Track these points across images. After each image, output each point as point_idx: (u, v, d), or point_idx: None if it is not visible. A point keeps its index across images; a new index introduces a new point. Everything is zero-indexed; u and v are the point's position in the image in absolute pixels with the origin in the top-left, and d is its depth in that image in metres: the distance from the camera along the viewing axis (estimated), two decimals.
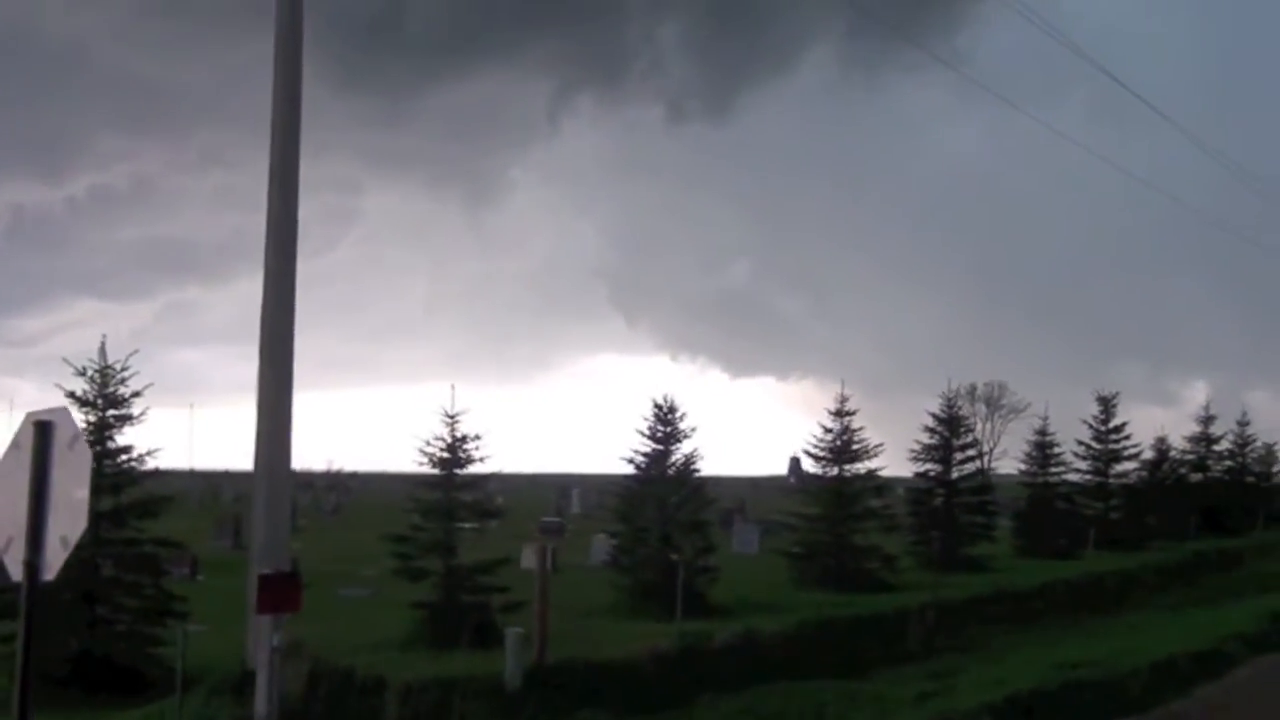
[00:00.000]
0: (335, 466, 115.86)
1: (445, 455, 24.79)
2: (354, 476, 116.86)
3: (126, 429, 19.74)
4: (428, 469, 25.31)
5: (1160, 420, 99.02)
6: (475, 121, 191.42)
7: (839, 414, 36.88)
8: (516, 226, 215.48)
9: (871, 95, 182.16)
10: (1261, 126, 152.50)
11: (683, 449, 30.05)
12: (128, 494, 19.96)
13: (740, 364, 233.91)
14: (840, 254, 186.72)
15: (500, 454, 25.57)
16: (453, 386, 25.13)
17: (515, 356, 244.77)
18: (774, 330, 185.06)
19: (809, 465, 38.87)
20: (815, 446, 37.03)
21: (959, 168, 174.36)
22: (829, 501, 36.45)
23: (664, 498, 30.07)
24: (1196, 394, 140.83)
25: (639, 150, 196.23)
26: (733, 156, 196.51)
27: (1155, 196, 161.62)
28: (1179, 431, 61.85)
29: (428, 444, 24.87)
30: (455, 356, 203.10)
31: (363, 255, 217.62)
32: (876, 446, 36.89)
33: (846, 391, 37.16)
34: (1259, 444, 65.03)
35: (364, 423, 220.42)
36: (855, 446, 36.66)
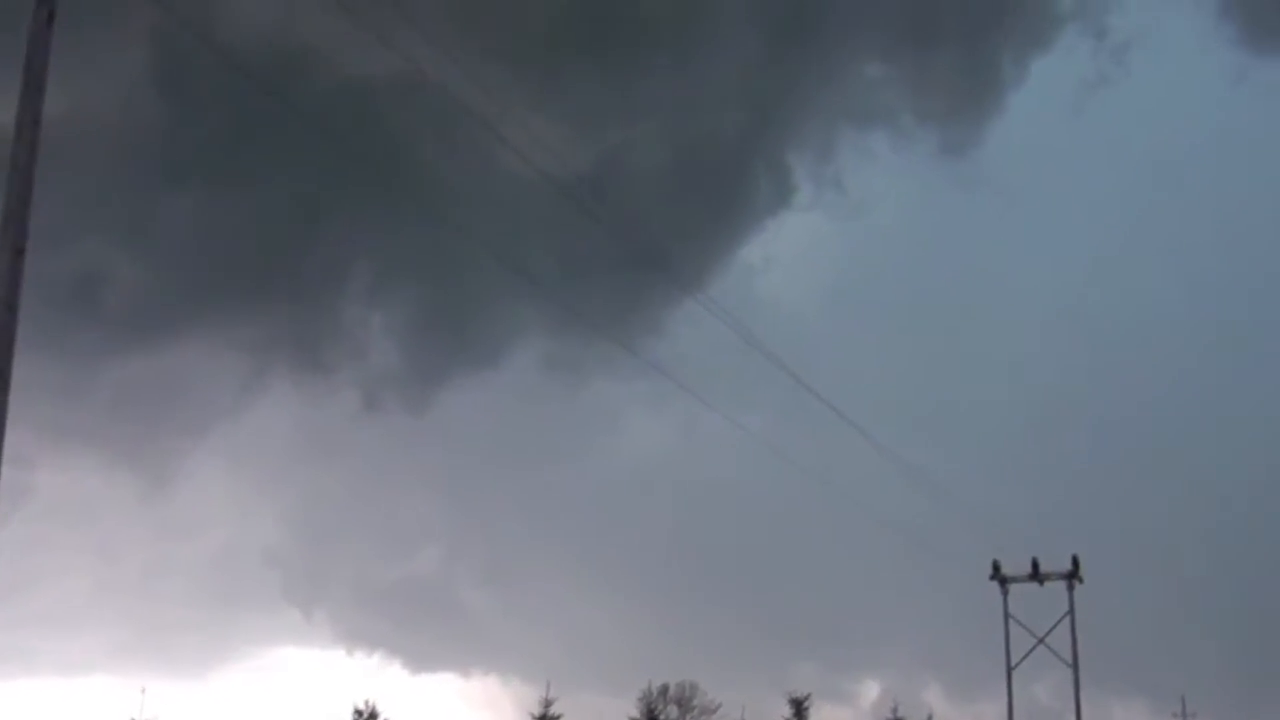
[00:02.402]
0: None
1: None
2: None
3: None
4: None
5: (837, 717, 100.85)
6: (158, 398, 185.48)
7: (544, 718, 36.20)
8: (193, 511, 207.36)
9: (573, 390, 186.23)
10: (943, 436, 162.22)
11: None
12: None
13: (421, 659, 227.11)
14: (531, 546, 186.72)
15: None
16: (143, 690, 23.24)
17: (187, 648, 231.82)
18: (457, 624, 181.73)
19: None
20: None
21: (655, 463, 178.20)
22: None
23: None
24: (869, 691, 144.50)
25: (330, 436, 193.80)
26: (429, 445, 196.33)
27: (833, 494, 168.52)
28: None
29: None
30: (121, 647, 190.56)
31: (29, 535, 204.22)
32: None
33: (538, 691, 37.11)
34: None
35: None
36: None
